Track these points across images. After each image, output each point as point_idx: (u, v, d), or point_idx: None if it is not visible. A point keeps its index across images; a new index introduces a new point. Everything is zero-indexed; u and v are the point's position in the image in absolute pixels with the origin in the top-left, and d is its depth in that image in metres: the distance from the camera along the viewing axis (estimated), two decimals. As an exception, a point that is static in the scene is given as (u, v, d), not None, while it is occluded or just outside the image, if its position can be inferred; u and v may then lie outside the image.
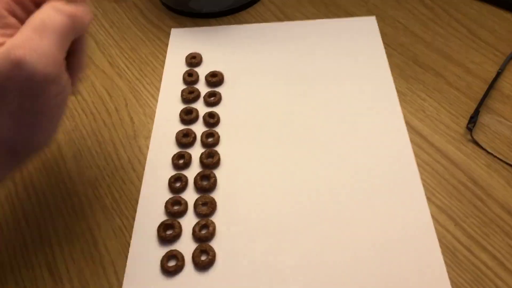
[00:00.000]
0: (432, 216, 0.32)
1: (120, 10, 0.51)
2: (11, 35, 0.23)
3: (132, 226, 0.33)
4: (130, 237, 0.33)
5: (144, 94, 0.42)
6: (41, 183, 0.36)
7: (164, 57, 0.45)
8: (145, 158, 0.37)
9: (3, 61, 0.22)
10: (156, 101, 0.41)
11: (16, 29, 0.24)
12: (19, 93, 0.23)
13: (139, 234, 0.33)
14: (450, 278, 0.30)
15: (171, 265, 0.31)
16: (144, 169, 0.37)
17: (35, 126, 0.25)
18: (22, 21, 0.25)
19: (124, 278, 0.31)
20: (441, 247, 0.31)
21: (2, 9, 0.24)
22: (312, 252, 0.31)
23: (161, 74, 0.44)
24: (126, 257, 0.32)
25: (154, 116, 0.40)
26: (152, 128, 0.39)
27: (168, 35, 0.47)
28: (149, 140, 0.38)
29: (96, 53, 0.46)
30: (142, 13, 0.50)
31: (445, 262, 0.30)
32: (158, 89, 0.42)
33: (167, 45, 0.46)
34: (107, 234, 0.33)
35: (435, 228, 0.32)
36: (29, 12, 0.25)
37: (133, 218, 0.34)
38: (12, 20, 0.25)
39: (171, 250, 0.32)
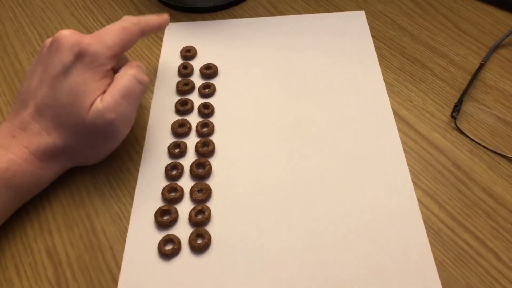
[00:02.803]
0: (418, 199, 0.34)
1: (115, 5, 0.52)
2: (108, 83, 0.33)
3: (129, 213, 0.34)
4: (128, 223, 0.34)
5: (140, 86, 0.43)
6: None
7: (159, 51, 0.46)
8: (141, 148, 0.38)
9: (100, 119, 0.32)
10: (152, 93, 0.42)
11: (110, 77, 0.34)
12: (102, 136, 0.33)
13: (136, 219, 0.34)
14: (434, 257, 0.31)
15: (168, 249, 0.32)
16: (141, 159, 0.38)
17: (101, 149, 0.35)
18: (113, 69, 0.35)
19: (123, 262, 0.32)
20: (426, 228, 0.32)
21: (107, 61, 0.33)
22: (304, 235, 0.33)
23: (157, 67, 0.45)
24: (124, 242, 0.33)
25: (150, 108, 0.41)
26: (148, 119, 0.40)
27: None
28: (146, 131, 0.40)
29: (92, 47, 0.47)
30: (137, 8, 0.51)
31: (430, 242, 0.32)
32: (153, 82, 0.43)
33: (162, 39, 0.47)
34: (105, 220, 0.34)
35: (421, 211, 0.33)
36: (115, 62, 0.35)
37: (131, 205, 0.35)
38: (110, 69, 0.34)
39: (168, 234, 0.33)
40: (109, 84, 0.33)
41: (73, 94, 0.32)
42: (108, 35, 0.34)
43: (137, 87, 0.34)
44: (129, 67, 0.35)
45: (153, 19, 0.38)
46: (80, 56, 0.32)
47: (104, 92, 0.33)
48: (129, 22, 0.35)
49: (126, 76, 0.34)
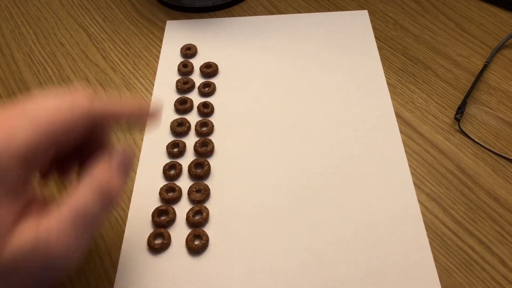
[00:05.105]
0: (422, 203, 0.33)
1: (112, 4, 0.51)
2: (24, 203, 0.23)
3: (128, 217, 0.34)
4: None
5: (138, 87, 0.43)
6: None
7: (158, 51, 0.45)
8: (139, 151, 0.38)
9: (36, 257, 0.21)
10: (150, 94, 0.42)
11: (24, 194, 0.22)
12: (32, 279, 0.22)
13: (134, 219, 0.33)
14: (439, 262, 0.30)
15: (165, 252, 0.31)
16: (138, 161, 0.37)
17: None
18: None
19: (119, 261, 0.31)
20: (430, 233, 0.32)
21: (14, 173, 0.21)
22: (304, 237, 0.32)
23: (155, 67, 0.44)
24: (121, 245, 0.32)
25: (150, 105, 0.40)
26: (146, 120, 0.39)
27: (161, 29, 0.48)
28: (144, 133, 0.39)
29: (90, 47, 0.47)
30: (135, 7, 0.50)
31: (434, 247, 0.31)
32: (152, 83, 0.43)
33: (160, 39, 0.47)
34: (104, 225, 0.33)
35: (425, 215, 0.33)
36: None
37: (129, 209, 0.34)
38: (24, 183, 0.23)
39: (165, 236, 0.32)
40: (28, 203, 0.23)
41: None
42: (21, 129, 0.21)
43: (102, 210, 0.23)
44: (99, 169, 0.24)
45: (125, 104, 0.25)
46: None
47: (21, 215, 0.22)
48: (71, 100, 0.23)
49: (89, 190, 0.23)
